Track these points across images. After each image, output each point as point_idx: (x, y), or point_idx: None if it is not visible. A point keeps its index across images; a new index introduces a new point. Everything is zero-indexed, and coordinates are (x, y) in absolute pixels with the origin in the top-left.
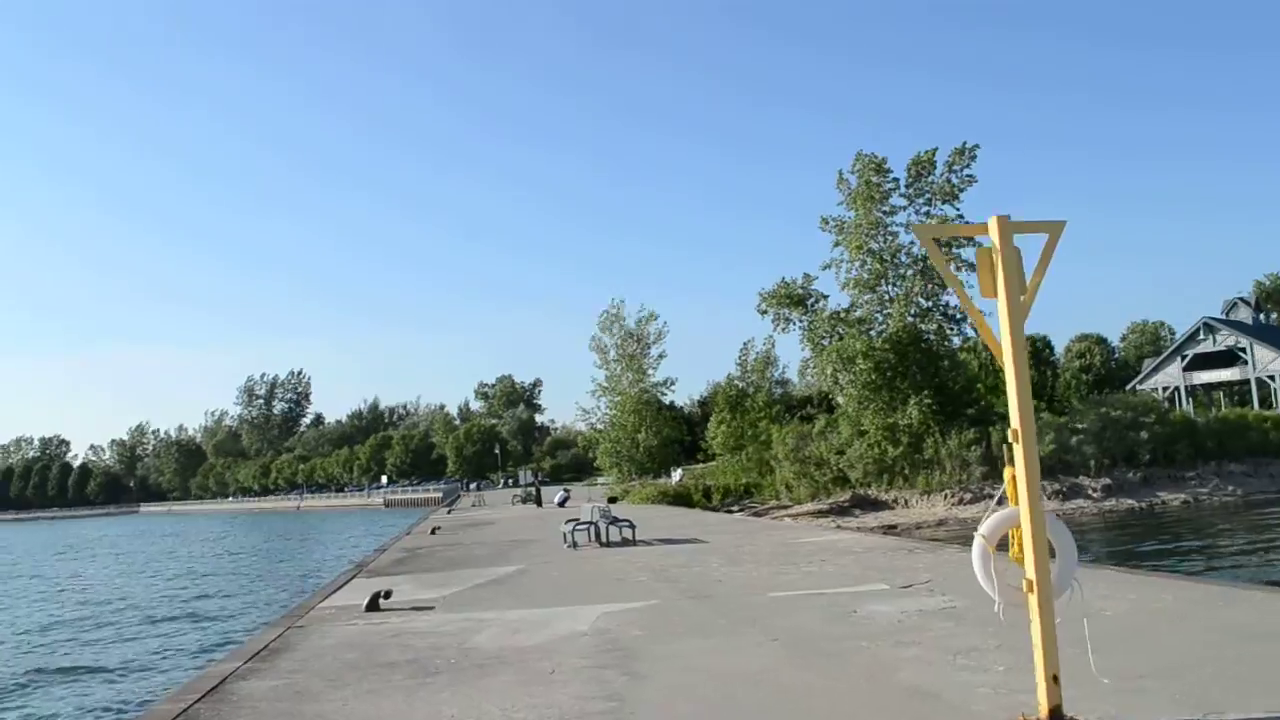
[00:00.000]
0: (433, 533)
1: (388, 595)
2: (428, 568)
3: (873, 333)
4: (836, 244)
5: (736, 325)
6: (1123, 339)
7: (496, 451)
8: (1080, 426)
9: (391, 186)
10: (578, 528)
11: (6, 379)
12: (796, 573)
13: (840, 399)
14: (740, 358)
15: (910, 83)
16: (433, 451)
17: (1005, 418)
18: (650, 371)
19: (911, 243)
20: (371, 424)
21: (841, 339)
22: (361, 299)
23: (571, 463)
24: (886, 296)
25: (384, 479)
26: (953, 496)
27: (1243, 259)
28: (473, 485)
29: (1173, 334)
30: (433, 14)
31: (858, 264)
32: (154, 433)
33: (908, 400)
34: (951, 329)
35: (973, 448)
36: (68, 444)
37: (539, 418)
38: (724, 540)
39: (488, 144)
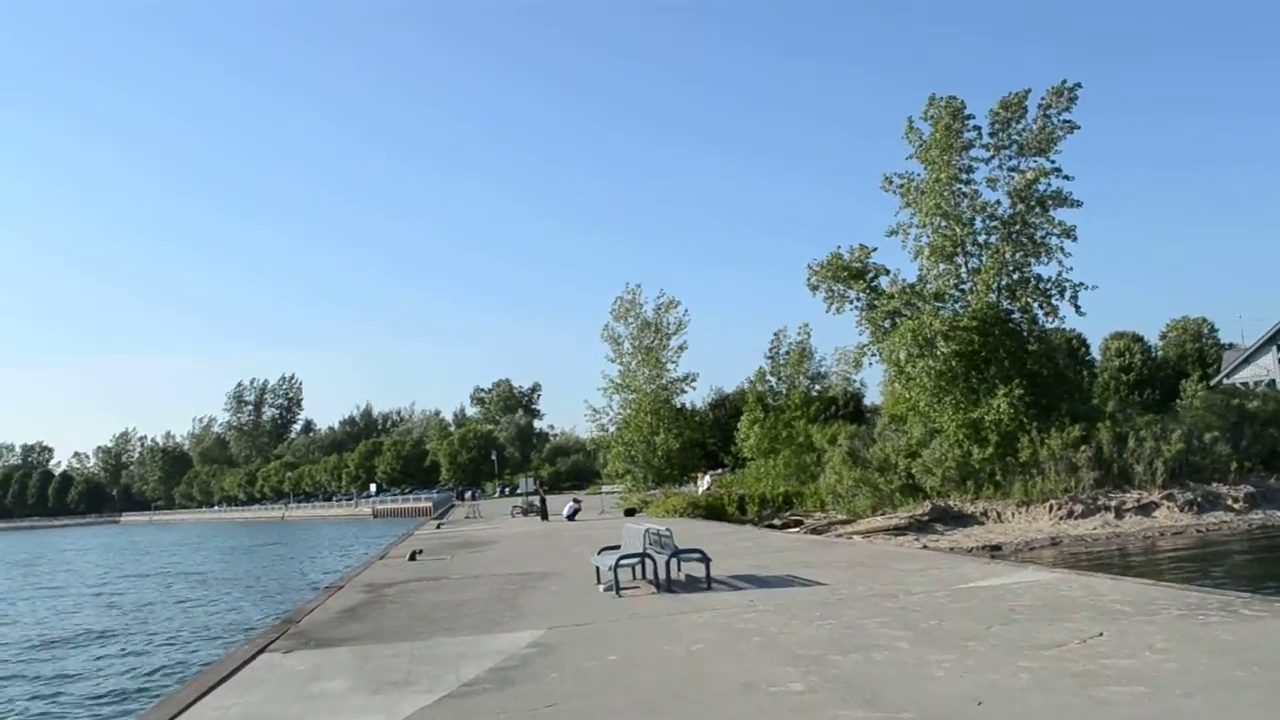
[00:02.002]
0: (412, 558)
1: None
2: (390, 630)
3: (950, 310)
4: (904, 205)
5: (745, 336)
6: (1162, 337)
7: (493, 458)
8: (1213, 422)
9: (391, 194)
10: (624, 562)
11: None
12: (1091, 677)
13: (910, 391)
14: (771, 349)
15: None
16: (426, 458)
17: (1115, 415)
18: (670, 366)
19: (997, 201)
20: (364, 431)
21: (915, 316)
22: (358, 306)
23: (571, 470)
24: (967, 267)
25: (372, 487)
26: (1059, 508)
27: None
28: (467, 494)
29: (1215, 331)
30: (426, 20)
31: (929, 229)
32: (140, 440)
33: (994, 391)
34: (1045, 306)
35: (1081, 448)
36: (50, 451)
37: (538, 423)
38: (842, 579)
39: (487, 150)
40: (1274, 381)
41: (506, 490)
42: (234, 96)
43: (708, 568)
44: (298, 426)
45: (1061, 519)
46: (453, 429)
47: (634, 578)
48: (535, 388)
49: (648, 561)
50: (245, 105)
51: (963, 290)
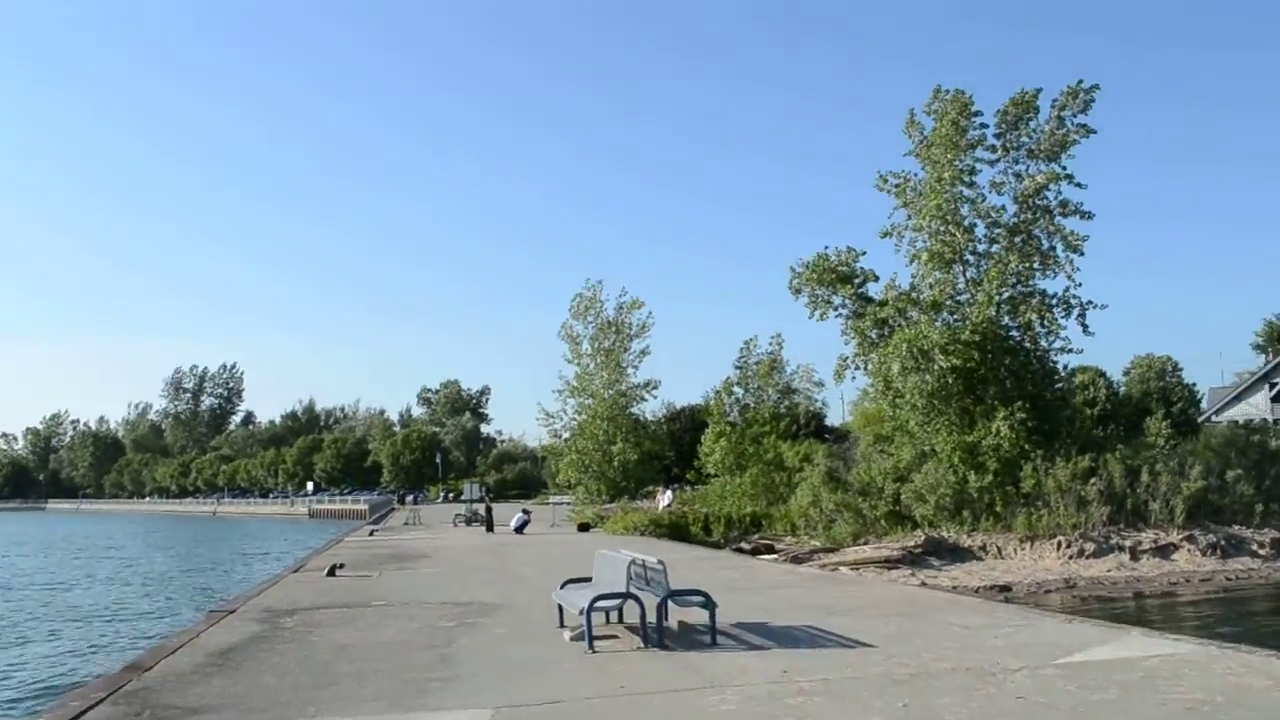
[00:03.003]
0: (331, 573)
1: None
2: (264, 695)
3: (946, 321)
4: (900, 205)
5: (698, 349)
6: (1126, 373)
7: (438, 461)
8: (1234, 460)
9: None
10: (601, 604)
11: None
12: None
13: (897, 410)
14: (740, 358)
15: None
16: (368, 458)
17: (1127, 440)
18: (630, 370)
19: (1002, 207)
20: (306, 426)
21: (911, 326)
22: (299, 308)
23: (519, 478)
24: (965, 277)
25: (309, 486)
26: (1069, 546)
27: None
28: (408, 498)
29: (1179, 369)
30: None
31: (926, 232)
32: (73, 423)
33: (993, 413)
34: (1050, 324)
35: (1090, 480)
36: None
37: (485, 428)
38: (889, 636)
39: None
40: (1265, 420)
41: (450, 496)
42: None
43: (713, 616)
44: (237, 418)
45: (1071, 558)
46: (397, 429)
47: (607, 620)
48: (484, 390)
49: (631, 603)
50: (182, 110)
51: (959, 302)
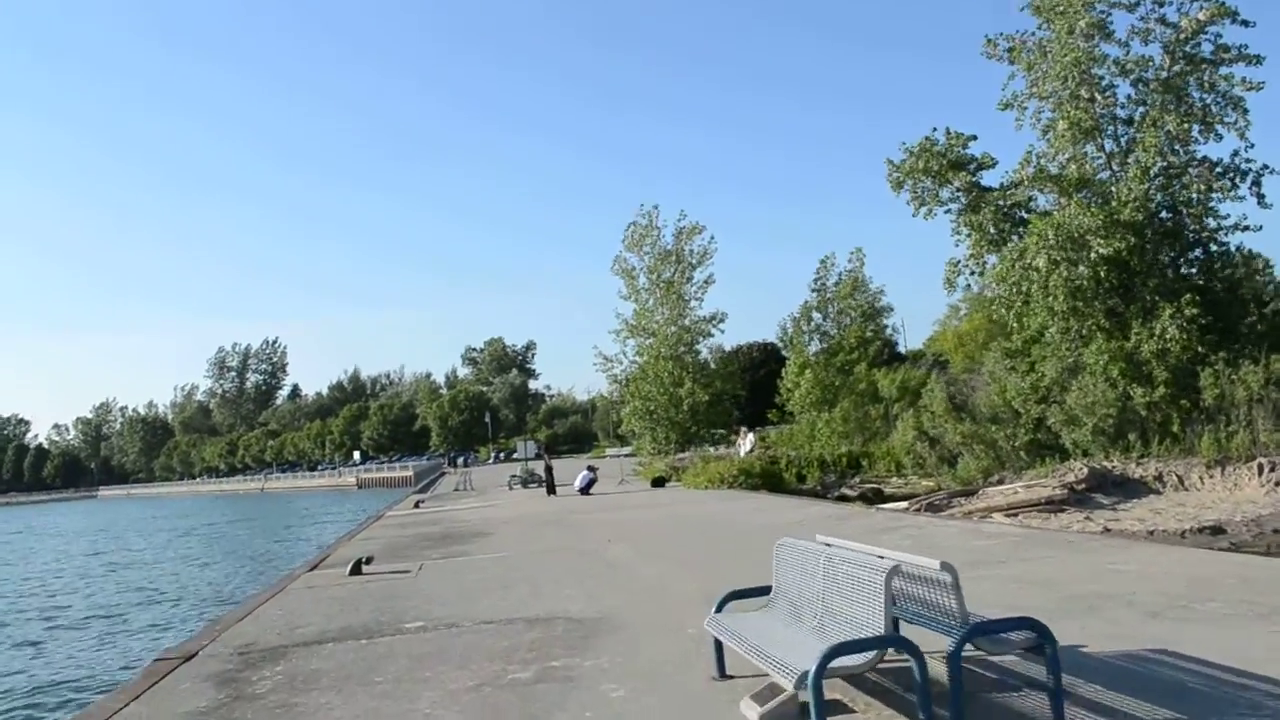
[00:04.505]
0: (356, 569)
1: None
2: None
3: (1089, 201)
4: (1027, 67)
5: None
6: None
7: (487, 420)
8: None
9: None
10: (839, 662)
11: None
12: None
13: (1031, 316)
14: (817, 279)
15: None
16: (415, 423)
17: None
18: (694, 303)
19: (1148, 58)
20: (353, 396)
21: (1057, 210)
22: (341, 281)
23: (570, 432)
24: (1104, 150)
25: (356, 455)
26: (1274, 470)
27: None
28: (459, 460)
29: None
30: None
31: (1053, 100)
32: (121, 410)
33: (1155, 311)
34: (1222, 193)
35: None
36: (27, 424)
37: (533, 384)
38: None
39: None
40: None
41: (502, 456)
42: (232, 92)
43: (1055, 667)
44: (283, 393)
45: (1279, 483)
46: (444, 391)
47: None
48: (530, 346)
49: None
50: (227, 96)
51: (1102, 180)
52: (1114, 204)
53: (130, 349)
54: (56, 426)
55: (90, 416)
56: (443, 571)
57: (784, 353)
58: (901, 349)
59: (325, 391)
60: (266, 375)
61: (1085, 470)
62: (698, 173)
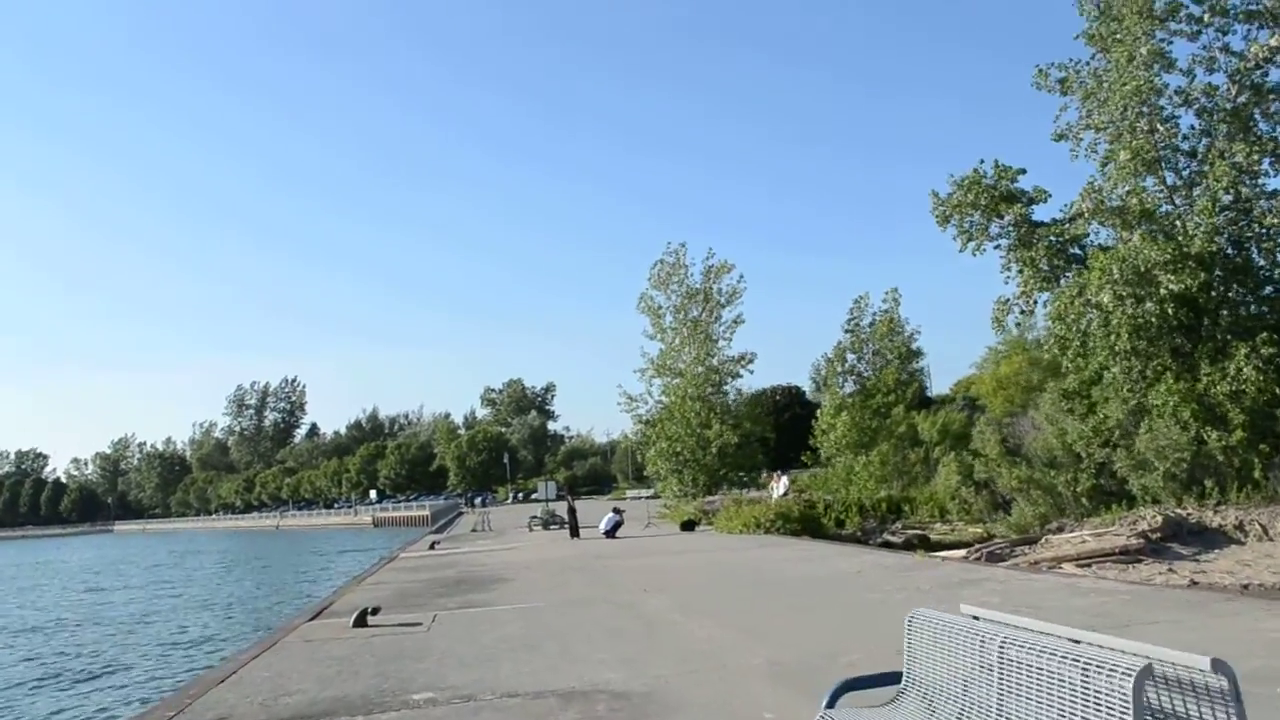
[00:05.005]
0: (360, 621)
1: None
2: None
3: (1154, 235)
4: (1084, 96)
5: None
6: None
7: (505, 461)
8: None
9: (395, 209)
10: None
11: None
12: None
13: (1090, 357)
14: (850, 319)
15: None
16: (433, 463)
17: None
18: (722, 342)
19: (1213, 85)
20: (371, 435)
21: (1120, 244)
22: (362, 319)
23: (589, 474)
24: (1166, 184)
25: (373, 494)
26: None
27: None
28: (476, 500)
29: None
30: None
31: (1111, 132)
32: (139, 446)
33: (1225, 352)
34: None
35: None
36: (45, 458)
37: (552, 425)
38: None
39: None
40: None
41: (520, 496)
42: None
43: None
44: (301, 431)
45: None
46: (462, 432)
47: None
48: (549, 388)
49: None
50: (240, 121)
51: (1165, 214)
52: (1181, 238)
53: (150, 385)
54: (75, 461)
55: (108, 452)
56: (458, 625)
57: (814, 395)
58: (929, 393)
59: (343, 430)
60: (285, 414)
61: (1159, 519)
62: (709, 217)
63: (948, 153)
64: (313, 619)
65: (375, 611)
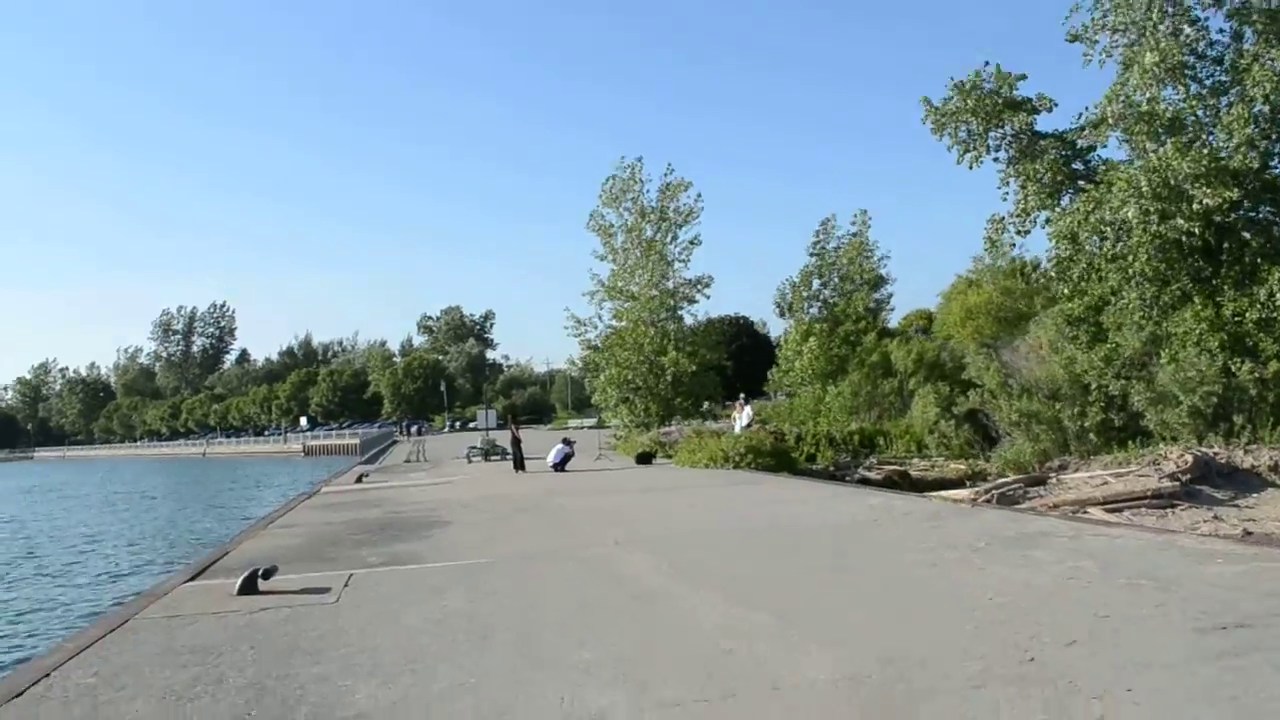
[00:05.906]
0: (249, 587)
1: None
2: None
3: (1183, 145)
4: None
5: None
6: None
7: (442, 390)
8: None
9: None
10: None
11: None
12: None
13: (1102, 280)
14: (816, 242)
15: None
16: (367, 390)
17: None
18: (678, 265)
19: None
20: (304, 362)
21: (1141, 155)
22: (299, 244)
23: (528, 403)
24: (1190, 92)
25: (304, 421)
26: None
27: None
28: (411, 428)
29: None
30: None
31: (1132, 31)
32: (61, 371)
33: (1256, 276)
34: None
35: None
36: None
37: (491, 354)
38: None
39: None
40: None
41: (458, 425)
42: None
43: None
44: (231, 358)
45: None
46: (398, 359)
47: None
48: (488, 315)
49: None
50: (158, 43)
51: (1194, 123)
52: (1211, 150)
53: (73, 309)
54: None
55: (28, 377)
56: (378, 592)
57: (777, 323)
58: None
59: (275, 357)
60: (214, 339)
61: (1189, 458)
62: (647, 140)
63: (917, 81)
64: (193, 578)
65: (269, 574)
